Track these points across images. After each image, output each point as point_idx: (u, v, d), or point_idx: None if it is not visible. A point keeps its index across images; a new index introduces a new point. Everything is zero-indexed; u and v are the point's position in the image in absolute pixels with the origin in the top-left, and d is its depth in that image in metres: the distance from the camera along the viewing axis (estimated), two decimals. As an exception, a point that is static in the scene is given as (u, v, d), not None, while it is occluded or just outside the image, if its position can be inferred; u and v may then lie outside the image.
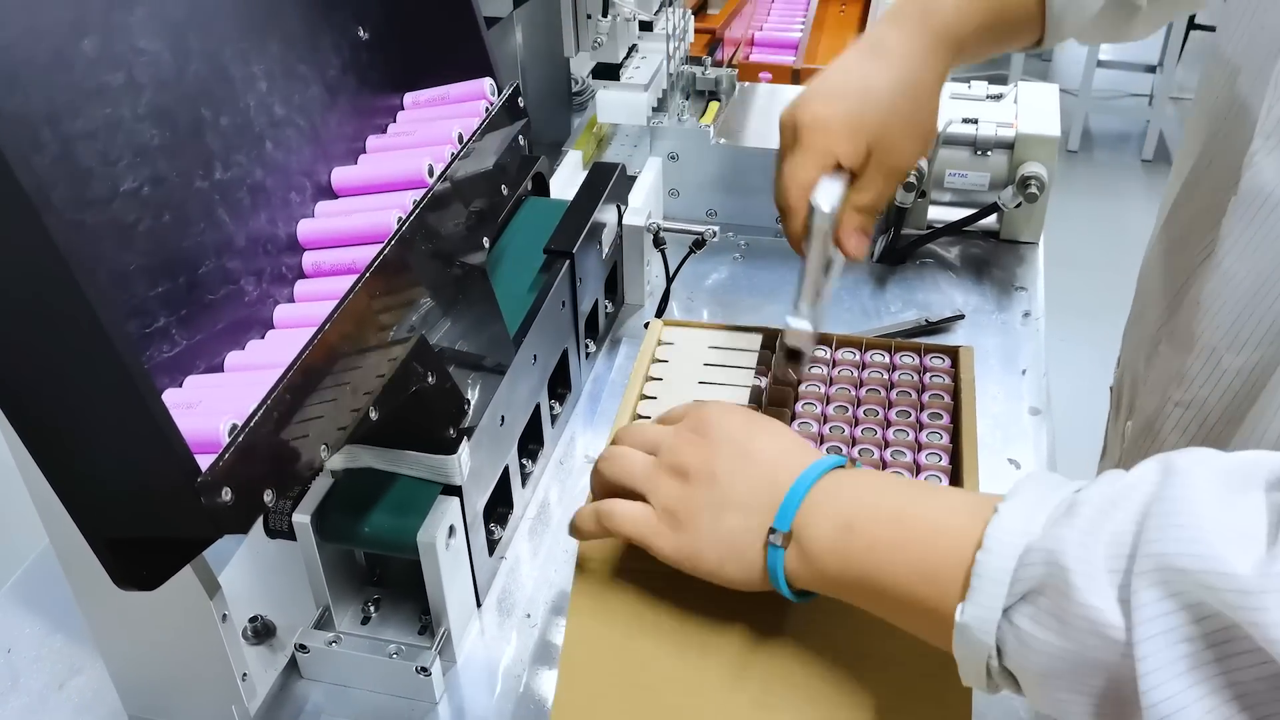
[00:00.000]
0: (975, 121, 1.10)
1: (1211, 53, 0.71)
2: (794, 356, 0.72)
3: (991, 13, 0.73)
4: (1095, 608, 0.41)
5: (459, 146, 0.74)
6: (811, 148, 0.69)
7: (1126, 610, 0.40)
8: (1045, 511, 0.46)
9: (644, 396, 0.73)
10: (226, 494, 0.50)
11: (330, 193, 0.74)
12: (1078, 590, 0.42)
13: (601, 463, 0.60)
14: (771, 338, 0.78)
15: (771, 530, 0.53)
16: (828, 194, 0.68)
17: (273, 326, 0.66)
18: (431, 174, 0.71)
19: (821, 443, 0.71)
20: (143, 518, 0.52)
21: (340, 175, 0.74)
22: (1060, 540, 0.43)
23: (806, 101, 0.71)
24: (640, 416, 0.71)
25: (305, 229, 0.70)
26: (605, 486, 0.61)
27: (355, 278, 0.62)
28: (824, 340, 0.78)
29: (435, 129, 0.76)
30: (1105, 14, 0.77)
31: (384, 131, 0.79)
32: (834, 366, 0.77)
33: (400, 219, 0.67)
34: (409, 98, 0.82)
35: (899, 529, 0.51)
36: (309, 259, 0.70)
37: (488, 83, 0.80)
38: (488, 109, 0.78)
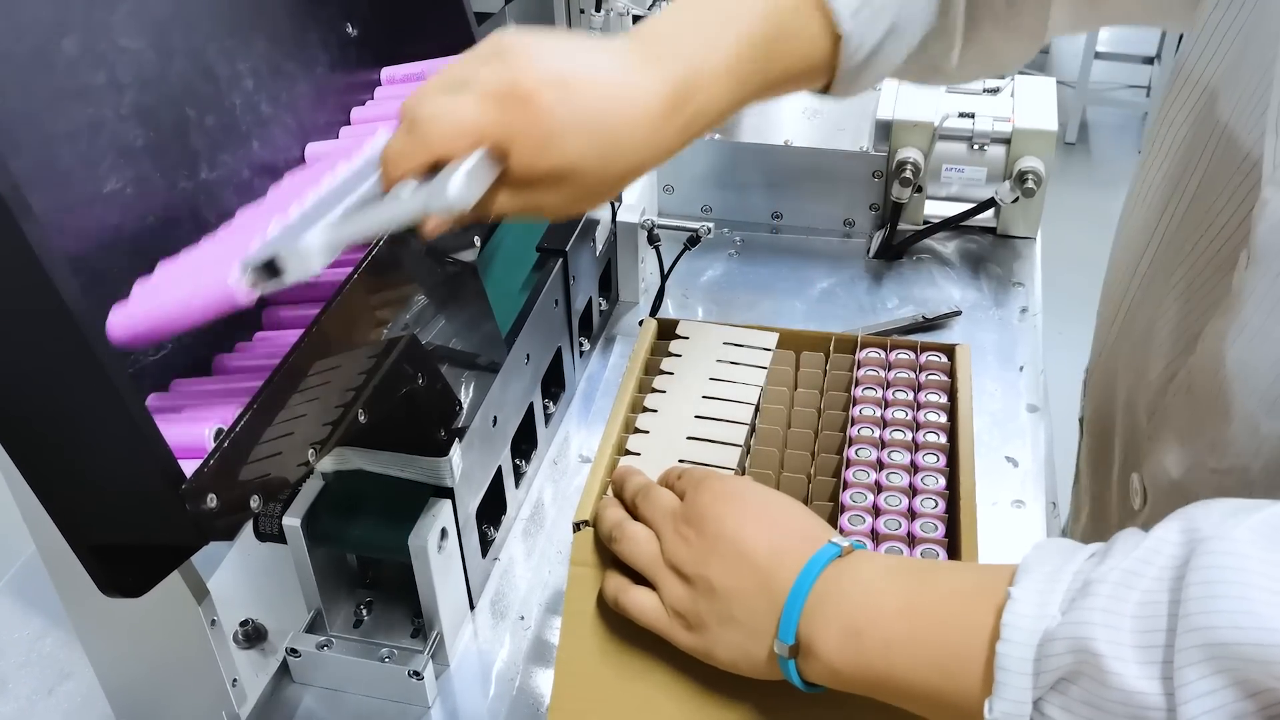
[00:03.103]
0: (972, 116, 1.10)
1: (1177, 71, 0.65)
2: (272, 271, 0.49)
3: (761, 84, 0.59)
4: (1134, 692, 0.39)
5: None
6: (500, 119, 0.50)
7: (1168, 689, 0.39)
8: (1059, 590, 0.44)
9: (654, 390, 0.72)
10: (212, 501, 0.49)
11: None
12: (1112, 675, 0.40)
13: (614, 543, 0.59)
14: (788, 338, 0.77)
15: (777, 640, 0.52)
16: (471, 182, 0.50)
17: (260, 328, 0.66)
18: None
19: (816, 438, 0.70)
20: (127, 525, 0.51)
21: (315, 150, 0.72)
22: (1083, 624, 0.41)
23: (536, 62, 0.51)
24: (647, 410, 0.70)
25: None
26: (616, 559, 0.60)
27: (344, 277, 0.61)
28: (823, 339, 0.77)
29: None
30: (914, 65, 0.68)
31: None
32: (829, 364, 0.76)
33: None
34: (385, 73, 0.80)
35: (910, 627, 0.49)
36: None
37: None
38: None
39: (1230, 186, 0.57)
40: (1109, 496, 0.78)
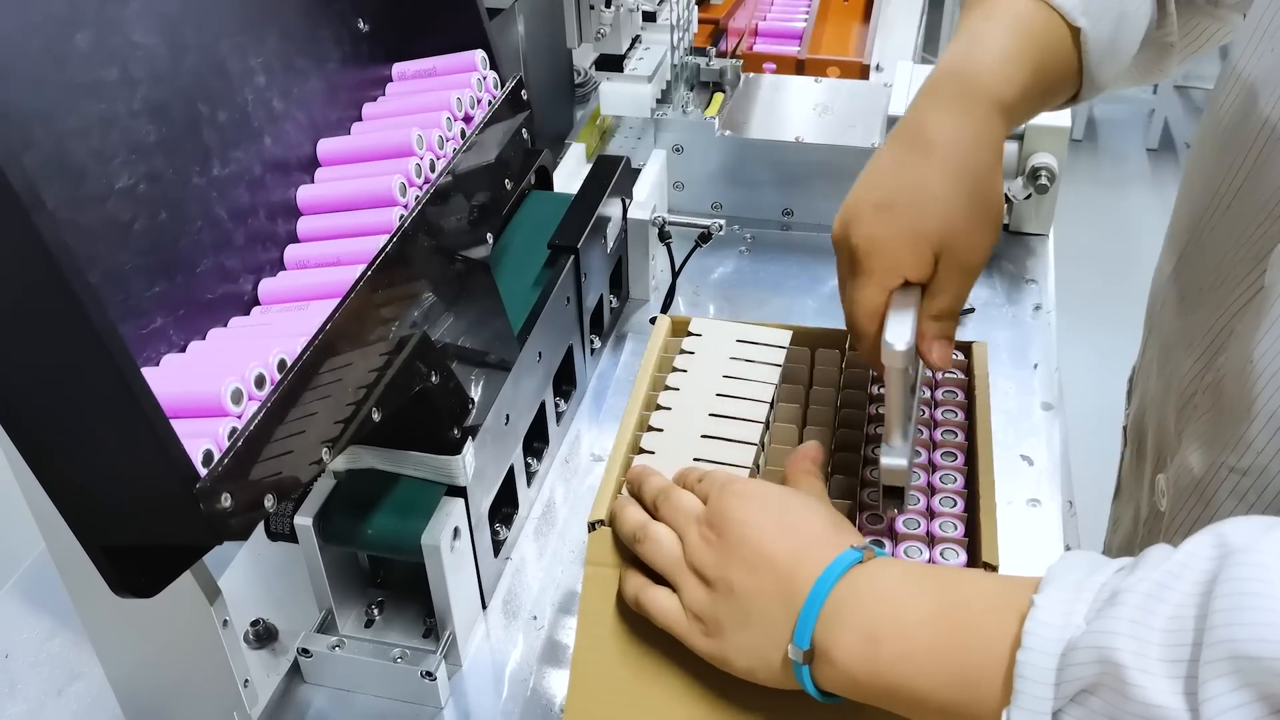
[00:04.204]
0: (984, 112, 1.09)
1: (1225, 72, 0.66)
2: (893, 494, 0.63)
3: (1033, 73, 0.64)
4: (1156, 705, 0.39)
5: (456, 115, 0.73)
6: (873, 271, 0.62)
7: (1193, 704, 0.38)
8: (1085, 600, 0.43)
9: (668, 388, 0.71)
10: (226, 500, 0.49)
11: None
12: (1135, 688, 0.39)
13: (637, 544, 0.58)
14: (801, 336, 0.76)
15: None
16: (899, 329, 0.60)
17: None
18: (421, 145, 0.69)
19: (833, 437, 0.69)
20: (140, 525, 0.51)
21: (327, 147, 0.72)
22: (1108, 634, 0.41)
23: (857, 218, 0.62)
24: (661, 408, 0.70)
25: (306, 225, 0.69)
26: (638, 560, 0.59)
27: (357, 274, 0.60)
28: (838, 336, 0.77)
29: (428, 100, 0.75)
30: (1140, 57, 0.72)
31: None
32: (844, 362, 0.75)
33: (402, 215, 0.66)
34: (396, 68, 0.80)
35: (929, 634, 0.48)
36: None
37: (479, 54, 0.78)
38: (479, 81, 0.77)
39: (1274, 185, 0.57)
40: (1142, 500, 0.77)
